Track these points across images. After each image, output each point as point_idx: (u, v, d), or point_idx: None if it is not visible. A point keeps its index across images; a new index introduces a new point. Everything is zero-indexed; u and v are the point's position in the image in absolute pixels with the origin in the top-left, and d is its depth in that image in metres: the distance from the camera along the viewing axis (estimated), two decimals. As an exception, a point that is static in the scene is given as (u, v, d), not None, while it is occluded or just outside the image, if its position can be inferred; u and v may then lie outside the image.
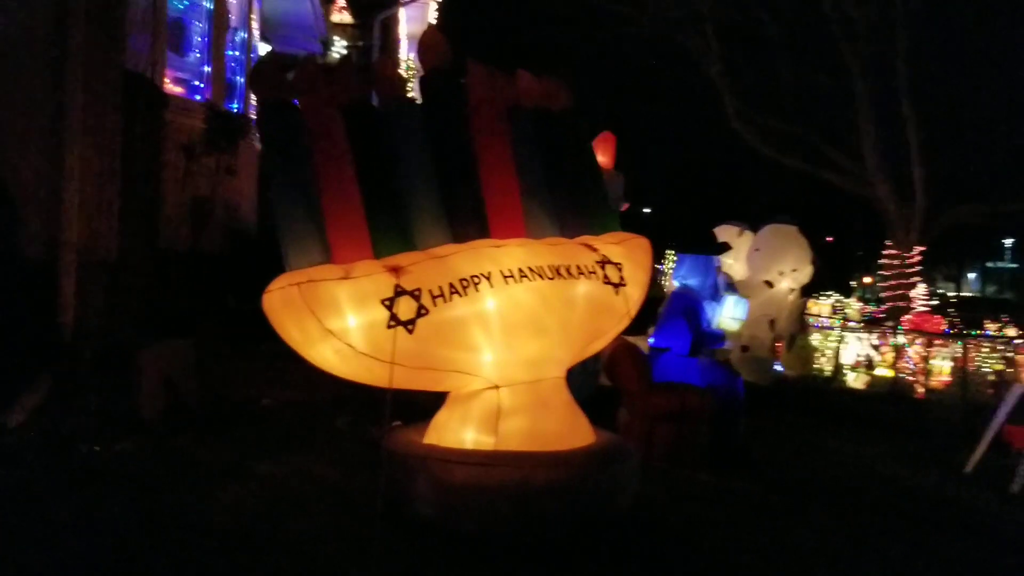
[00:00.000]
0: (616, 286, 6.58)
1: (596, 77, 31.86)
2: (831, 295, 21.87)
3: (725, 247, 8.89)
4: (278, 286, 5.61)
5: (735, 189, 36.81)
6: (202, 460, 6.63)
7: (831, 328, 20.19)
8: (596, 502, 5.88)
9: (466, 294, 5.83)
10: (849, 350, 20.47)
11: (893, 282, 28.27)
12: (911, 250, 28.21)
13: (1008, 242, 64.75)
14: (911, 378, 19.20)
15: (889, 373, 19.56)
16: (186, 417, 7.41)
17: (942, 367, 19.58)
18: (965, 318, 29.38)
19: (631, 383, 7.70)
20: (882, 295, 28.88)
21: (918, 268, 28.90)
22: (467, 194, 6.33)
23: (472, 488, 5.69)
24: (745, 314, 8.66)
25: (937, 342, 19.85)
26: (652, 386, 7.70)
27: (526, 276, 6.07)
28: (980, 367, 20.88)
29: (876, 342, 20.96)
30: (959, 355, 20.02)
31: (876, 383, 18.48)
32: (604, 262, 6.56)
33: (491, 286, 5.92)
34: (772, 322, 15.06)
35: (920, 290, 24.28)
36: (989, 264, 69.97)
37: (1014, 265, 69.11)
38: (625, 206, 10.86)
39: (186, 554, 5.06)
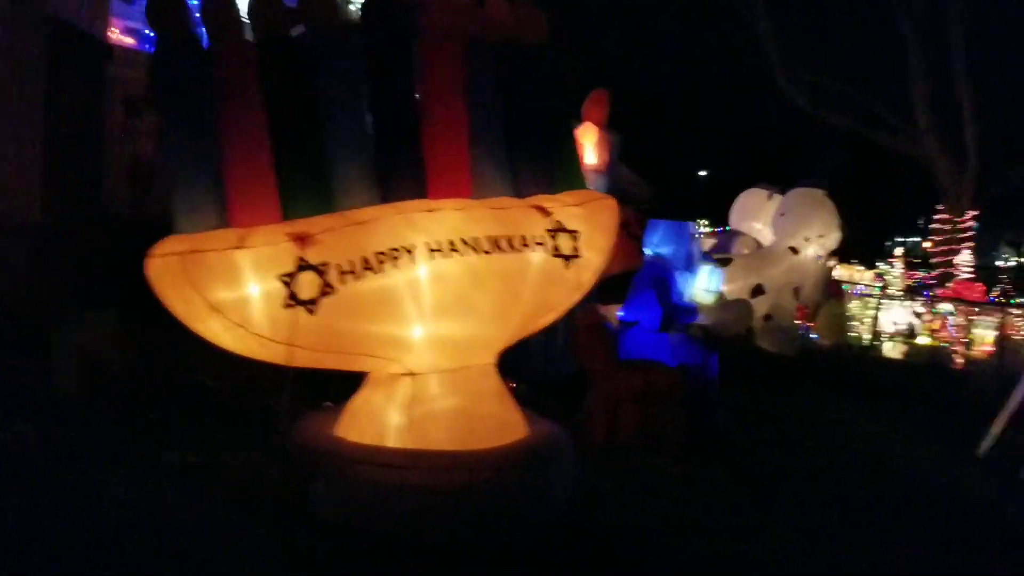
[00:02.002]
0: (568, 258, 5.69)
1: (638, 35, 30.64)
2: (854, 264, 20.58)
3: (700, 215, 7.85)
4: (160, 252, 4.79)
5: (786, 151, 35.32)
6: (108, 446, 5.89)
7: (870, 295, 19.01)
8: (521, 503, 5.04)
9: (382, 270, 4.97)
10: (889, 318, 19.32)
11: (944, 247, 26.82)
12: (963, 214, 26.71)
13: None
14: (952, 348, 18.01)
15: (931, 342, 18.39)
16: (108, 396, 6.71)
17: (984, 336, 18.34)
18: (1020, 286, 27.85)
19: (594, 361, 6.80)
20: (932, 260, 27.42)
21: (970, 233, 27.39)
22: (404, 144, 5.39)
23: (379, 490, 4.90)
24: (720, 286, 7.69)
25: (978, 311, 18.59)
26: (617, 364, 6.80)
27: (457, 250, 5.19)
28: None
29: (920, 309, 19.74)
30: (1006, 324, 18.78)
31: (914, 352, 17.34)
32: (556, 230, 5.66)
33: (413, 262, 5.05)
34: (797, 290, 14.03)
35: (965, 256, 22.83)
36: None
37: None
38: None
39: (52, 557, 4.34)
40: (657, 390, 6.69)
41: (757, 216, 15.08)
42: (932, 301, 18.81)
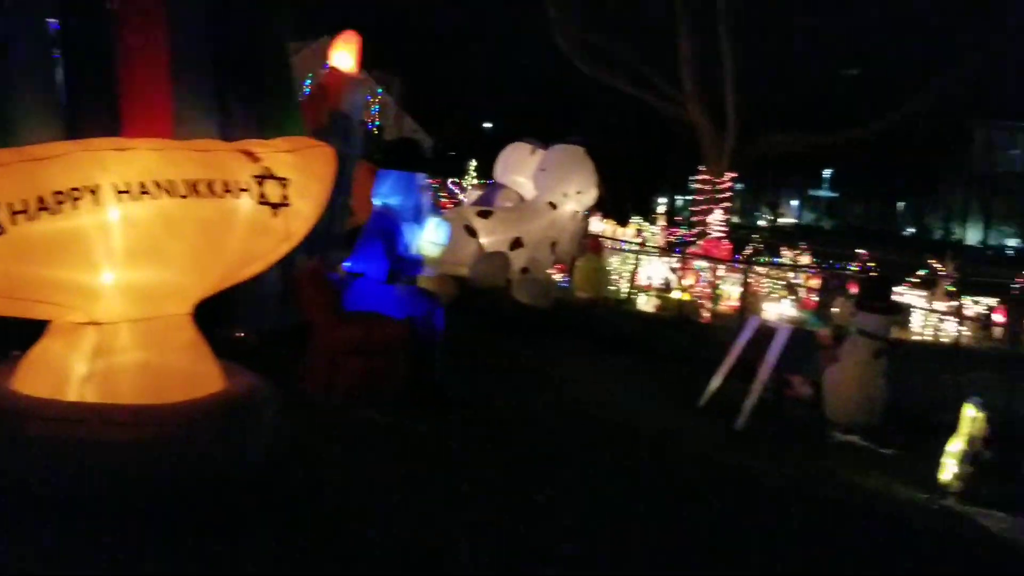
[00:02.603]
0: (276, 206, 5.43)
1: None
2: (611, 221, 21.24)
3: (429, 165, 7.61)
4: None
5: (568, 108, 35.99)
6: None
7: (629, 250, 19.62)
8: (212, 459, 4.81)
9: (60, 211, 4.56)
10: (646, 273, 20.03)
11: (704, 207, 28.12)
12: (722, 176, 28.04)
13: (827, 172, 66.67)
14: (701, 302, 18.89)
15: (685, 297, 19.20)
16: None
17: (730, 292, 19.36)
18: (771, 245, 29.53)
19: (314, 312, 6.59)
20: (693, 219, 28.70)
21: (728, 194, 28.83)
22: (94, 76, 4.96)
23: (53, 446, 4.54)
24: (447, 238, 7.63)
25: (725, 268, 19.60)
26: (339, 316, 6.61)
27: (148, 192, 4.80)
28: (771, 293, 20.82)
29: (676, 265, 20.58)
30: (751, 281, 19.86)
31: (666, 306, 18.04)
32: (264, 176, 5.38)
33: (97, 203, 4.64)
34: (554, 244, 14.27)
35: (717, 216, 24.00)
36: (811, 192, 71.89)
37: (834, 194, 71.26)
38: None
39: None
40: (378, 342, 6.55)
41: (520, 170, 15.18)
42: (684, 258, 19.63)
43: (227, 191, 5.17)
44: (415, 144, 7.66)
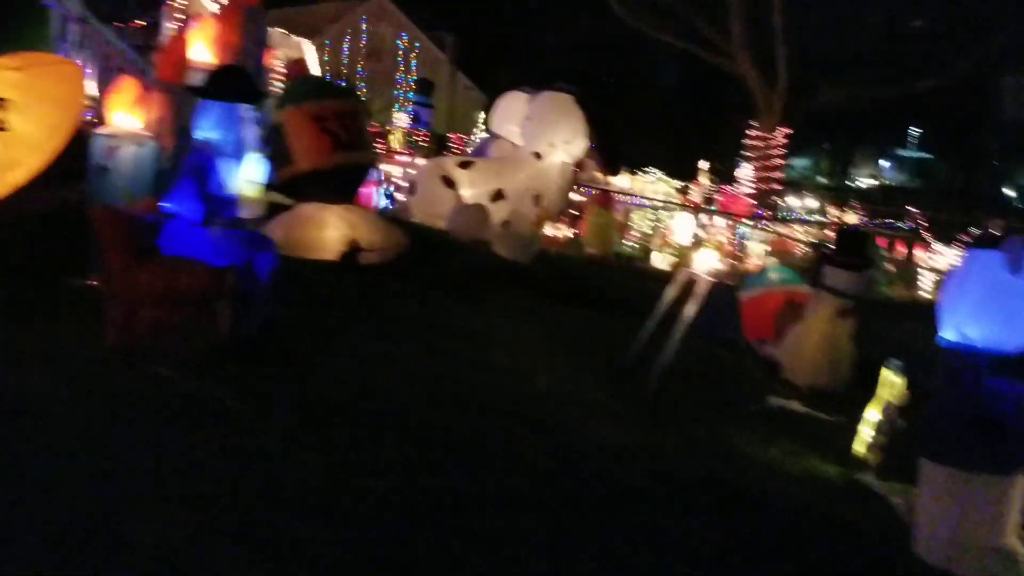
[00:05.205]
0: (-10, 130, 4.51)
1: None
2: (650, 172, 19.76)
3: (256, 97, 6.38)
4: None
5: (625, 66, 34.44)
6: None
7: (646, 206, 18.23)
8: None
9: None
10: (677, 228, 18.66)
11: (757, 164, 26.41)
12: (774, 131, 26.32)
13: (915, 131, 62.93)
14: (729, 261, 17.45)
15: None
16: None
17: (755, 249, 17.88)
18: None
19: (110, 256, 5.63)
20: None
21: (782, 151, 27.06)
22: None
23: None
24: (267, 177, 6.51)
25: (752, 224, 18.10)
26: (137, 260, 5.62)
27: None
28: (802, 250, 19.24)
29: (706, 221, 19.13)
30: (775, 238, 18.38)
31: (682, 264, 16.61)
32: (-25, 97, 4.48)
33: None
34: (538, 197, 13.07)
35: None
36: (899, 152, 68.12)
37: (926, 155, 67.30)
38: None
39: None
40: (184, 291, 5.57)
41: (515, 119, 14.00)
42: (697, 212, 18.15)
43: (-79, 113, 4.28)
44: (242, 72, 6.58)
